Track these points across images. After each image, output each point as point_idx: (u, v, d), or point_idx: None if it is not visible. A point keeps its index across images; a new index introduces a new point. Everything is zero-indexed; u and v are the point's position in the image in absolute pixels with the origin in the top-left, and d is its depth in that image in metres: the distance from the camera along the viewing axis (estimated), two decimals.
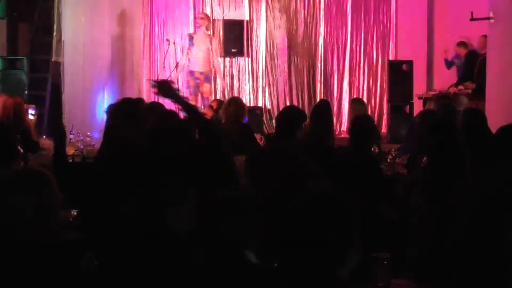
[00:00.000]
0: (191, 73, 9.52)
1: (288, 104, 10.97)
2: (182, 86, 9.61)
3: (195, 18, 9.91)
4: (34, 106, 8.67)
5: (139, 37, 10.76)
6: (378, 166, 4.97)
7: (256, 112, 10.29)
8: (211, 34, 9.99)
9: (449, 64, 11.04)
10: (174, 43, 10.47)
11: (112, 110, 5.84)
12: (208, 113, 7.38)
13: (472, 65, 10.52)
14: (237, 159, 5.48)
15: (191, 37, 9.64)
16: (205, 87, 9.45)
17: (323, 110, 5.80)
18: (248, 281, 2.40)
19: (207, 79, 9.54)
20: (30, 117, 7.50)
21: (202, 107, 8.28)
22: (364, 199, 3.44)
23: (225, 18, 10.93)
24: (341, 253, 2.06)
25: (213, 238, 2.46)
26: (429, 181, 3.67)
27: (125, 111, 5.70)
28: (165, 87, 3.96)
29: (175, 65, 10.09)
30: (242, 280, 2.40)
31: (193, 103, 8.13)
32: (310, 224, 2.06)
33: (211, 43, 9.60)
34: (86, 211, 3.63)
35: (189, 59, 9.56)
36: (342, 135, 11.03)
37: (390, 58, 11.45)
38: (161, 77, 9.87)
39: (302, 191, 2.17)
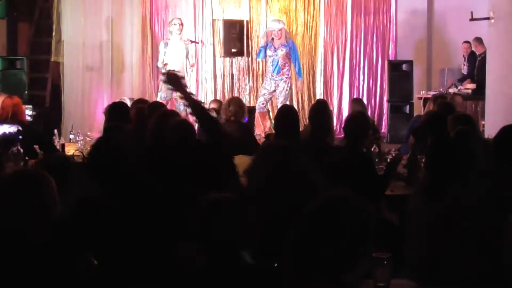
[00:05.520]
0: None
1: (287, 103, 10.94)
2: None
3: (172, 24, 9.85)
4: (31, 106, 8.68)
5: (139, 37, 10.76)
6: (372, 165, 4.95)
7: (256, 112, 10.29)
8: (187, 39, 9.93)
9: (260, 53, 10.15)
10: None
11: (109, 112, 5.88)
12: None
13: (472, 66, 10.56)
14: (237, 159, 5.49)
15: (166, 44, 9.64)
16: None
17: (320, 110, 5.79)
18: (249, 282, 2.40)
19: None
20: (28, 118, 7.51)
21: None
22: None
23: (225, 18, 10.92)
24: (352, 259, 2.05)
25: (212, 239, 2.46)
26: (428, 180, 3.66)
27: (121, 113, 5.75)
28: (175, 79, 4.01)
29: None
30: (243, 280, 2.40)
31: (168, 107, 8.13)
32: (324, 227, 2.06)
33: (186, 48, 9.63)
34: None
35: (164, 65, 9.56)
36: (342, 135, 11.03)
37: (390, 58, 11.45)
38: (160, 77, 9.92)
39: (319, 193, 2.15)
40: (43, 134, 4.48)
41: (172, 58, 9.49)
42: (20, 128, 4.86)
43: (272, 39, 9.86)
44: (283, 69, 9.85)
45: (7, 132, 5.76)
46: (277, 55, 9.81)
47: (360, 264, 2.07)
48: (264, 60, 10.29)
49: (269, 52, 9.86)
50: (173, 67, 9.39)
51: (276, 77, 9.86)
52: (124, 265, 2.90)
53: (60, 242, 2.54)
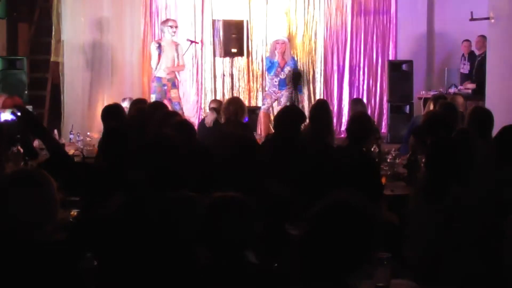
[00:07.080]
0: (158, 79, 9.46)
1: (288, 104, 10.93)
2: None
3: (167, 25, 9.71)
4: (31, 106, 8.66)
5: (139, 37, 10.77)
6: (374, 166, 4.94)
7: (256, 112, 10.29)
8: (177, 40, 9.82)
9: (272, 69, 9.93)
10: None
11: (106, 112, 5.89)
12: (212, 115, 7.37)
13: (473, 65, 10.55)
14: None
15: (159, 44, 9.54)
16: (173, 93, 9.40)
17: (321, 109, 5.80)
18: (253, 281, 2.40)
19: (174, 85, 9.48)
20: None
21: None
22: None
23: (224, 18, 10.92)
24: (356, 261, 2.05)
25: (214, 238, 2.46)
26: (428, 180, 3.66)
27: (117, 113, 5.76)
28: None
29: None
30: (244, 281, 2.40)
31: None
32: (329, 229, 2.05)
33: (177, 50, 9.57)
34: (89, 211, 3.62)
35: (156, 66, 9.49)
36: (342, 135, 11.03)
37: (390, 58, 11.45)
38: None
39: (327, 196, 2.15)
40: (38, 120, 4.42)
41: (164, 58, 9.44)
42: (16, 111, 4.74)
43: (275, 50, 9.87)
44: (287, 84, 9.96)
45: (9, 120, 5.75)
46: (284, 74, 9.89)
47: (364, 266, 2.07)
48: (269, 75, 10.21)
49: (275, 72, 9.92)
50: (165, 67, 9.36)
51: (282, 89, 9.98)
52: (125, 265, 2.90)
53: (61, 243, 2.54)
